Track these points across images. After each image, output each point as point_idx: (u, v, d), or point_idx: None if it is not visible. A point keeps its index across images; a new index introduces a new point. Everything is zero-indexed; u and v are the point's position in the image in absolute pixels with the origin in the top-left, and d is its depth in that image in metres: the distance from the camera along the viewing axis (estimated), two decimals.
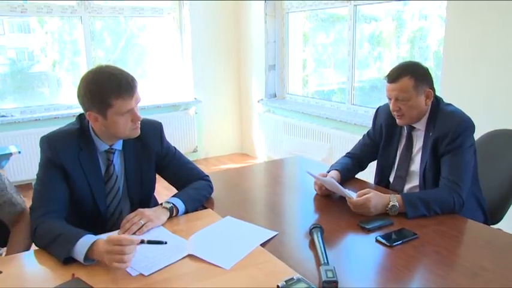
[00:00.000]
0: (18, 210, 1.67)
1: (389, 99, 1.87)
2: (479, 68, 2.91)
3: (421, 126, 1.89)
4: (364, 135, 2.20)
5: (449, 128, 1.78)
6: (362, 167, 2.16)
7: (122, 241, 1.30)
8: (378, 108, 2.13)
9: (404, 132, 1.97)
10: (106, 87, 1.49)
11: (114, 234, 1.50)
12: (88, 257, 1.33)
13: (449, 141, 1.78)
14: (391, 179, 2.03)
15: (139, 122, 1.61)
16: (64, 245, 1.36)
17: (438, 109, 1.86)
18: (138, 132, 1.64)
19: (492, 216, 2.00)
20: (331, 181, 1.83)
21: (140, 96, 1.59)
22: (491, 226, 1.80)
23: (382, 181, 2.07)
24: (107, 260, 1.30)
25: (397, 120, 1.89)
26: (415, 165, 1.92)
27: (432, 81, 1.85)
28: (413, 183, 1.94)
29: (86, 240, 1.35)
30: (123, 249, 1.29)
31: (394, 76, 1.81)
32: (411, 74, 1.79)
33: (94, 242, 1.35)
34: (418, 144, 1.92)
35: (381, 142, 2.06)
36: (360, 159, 2.15)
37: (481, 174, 1.93)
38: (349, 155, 2.18)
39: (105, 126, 1.57)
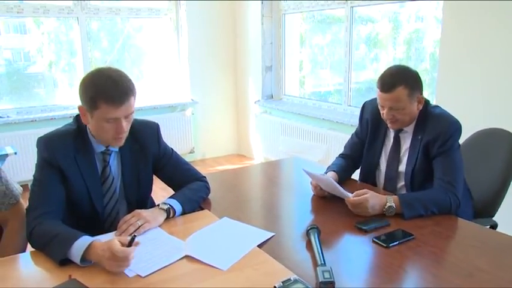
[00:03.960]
0: (12, 202, 1.67)
1: (382, 107, 1.86)
2: (475, 70, 2.93)
3: (409, 129, 1.91)
4: (352, 134, 2.21)
5: (439, 130, 1.80)
6: (357, 166, 2.17)
7: (125, 252, 1.29)
8: (364, 103, 2.13)
9: (390, 132, 1.98)
10: (98, 87, 1.48)
11: (111, 235, 1.50)
12: (84, 258, 1.33)
13: (440, 144, 1.80)
14: (381, 180, 2.04)
15: (124, 134, 1.57)
16: (60, 246, 1.35)
17: (426, 111, 1.87)
18: (120, 144, 1.62)
19: (482, 214, 2.03)
20: (328, 180, 1.83)
21: (132, 109, 1.54)
22: (488, 228, 1.80)
23: (367, 179, 2.07)
24: (108, 265, 1.30)
25: (390, 125, 1.89)
26: (402, 166, 1.94)
27: (422, 85, 1.86)
28: (400, 183, 1.96)
29: (82, 242, 1.35)
30: (126, 257, 1.29)
31: (389, 86, 1.79)
32: (405, 83, 1.78)
33: (90, 243, 1.34)
34: (405, 145, 1.94)
35: (367, 138, 2.07)
36: (353, 158, 2.16)
37: (473, 172, 1.99)
38: (342, 155, 2.19)
39: (91, 126, 1.57)
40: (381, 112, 1.88)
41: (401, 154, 1.95)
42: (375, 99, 1.92)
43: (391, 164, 1.97)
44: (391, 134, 1.97)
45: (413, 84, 1.80)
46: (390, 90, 1.79)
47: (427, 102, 1.90)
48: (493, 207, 2.06)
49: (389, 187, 1.99)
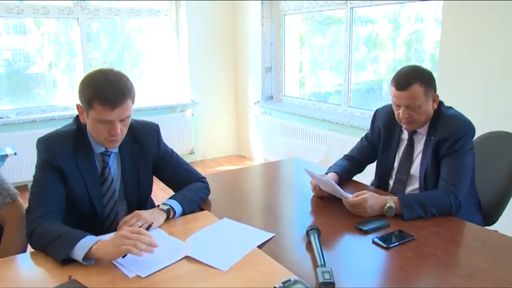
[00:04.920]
0: (8, 201, 1.68)
1: (398, 106, 1.83)
2: (475, 70, 2.93)
3: (423, 130, 1.89)
4: (362, 137, 2.20)
5: (450, 131, 1.78)
6: (360, 169, 2.16)
7: (141, 232, 1.37)
8: (376, 111, 2.12)
9: (404, 135, 1.97)
10: (93, 88, 1.48)
11: (111, 236, 1.50)
12: (87, 257, 1.33)
13: (450, 145, 1.78)
14: (391, 182, 2.02)
15: (118, 137, 1.55)
16: (64, 245, 1.35)
17: (440, 112, 1.85)
18: (114, 146, 1.62)
19: (489, 217, 2.01)
20: (327, 180, 1.82)
21: (129, 112, 1.53)
22: (487, 227, 1.80)
23: (381, 184, 2.06)
24: (116, 245, 1.33)
25: (405, 126, 1.87)
26: (415, 169, 1.92)
27: (436, 84, 1.84)
28: (413, 186, 1.94)
29: (87, 241, 1.36)
30: (142, 237, 1.35)
31: (404, 84, 1.77)
32: (421, 81, 1.76)
33: (97, 241, 1.35)
34: (418, 147, 1.92)
35: (380, 145, 2.06)
36: (359, 161, 2.14)
37: (477, 176, 1.94)
38: (347, 157, 2.17)
39: (88, 125, 1.58)
40: (396, 113, 1.85)
41: (414, 156, 1.93)
42: (387, 105, 1.91)
43: (403, 165, 1.95)
44: (405, 137, 1.96)
45: (428, 82, 1.79)
46: (406, 87, 1.77)
47: (441, 103, 1.88)
48: (496, 216, 2.04)
49: (398, 189, 1.97)
